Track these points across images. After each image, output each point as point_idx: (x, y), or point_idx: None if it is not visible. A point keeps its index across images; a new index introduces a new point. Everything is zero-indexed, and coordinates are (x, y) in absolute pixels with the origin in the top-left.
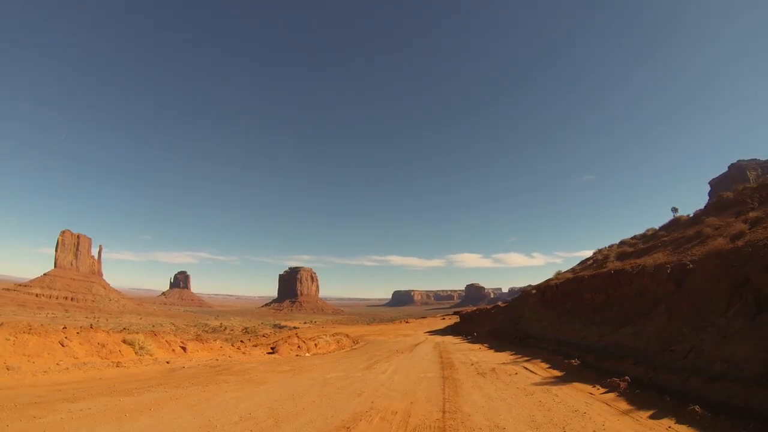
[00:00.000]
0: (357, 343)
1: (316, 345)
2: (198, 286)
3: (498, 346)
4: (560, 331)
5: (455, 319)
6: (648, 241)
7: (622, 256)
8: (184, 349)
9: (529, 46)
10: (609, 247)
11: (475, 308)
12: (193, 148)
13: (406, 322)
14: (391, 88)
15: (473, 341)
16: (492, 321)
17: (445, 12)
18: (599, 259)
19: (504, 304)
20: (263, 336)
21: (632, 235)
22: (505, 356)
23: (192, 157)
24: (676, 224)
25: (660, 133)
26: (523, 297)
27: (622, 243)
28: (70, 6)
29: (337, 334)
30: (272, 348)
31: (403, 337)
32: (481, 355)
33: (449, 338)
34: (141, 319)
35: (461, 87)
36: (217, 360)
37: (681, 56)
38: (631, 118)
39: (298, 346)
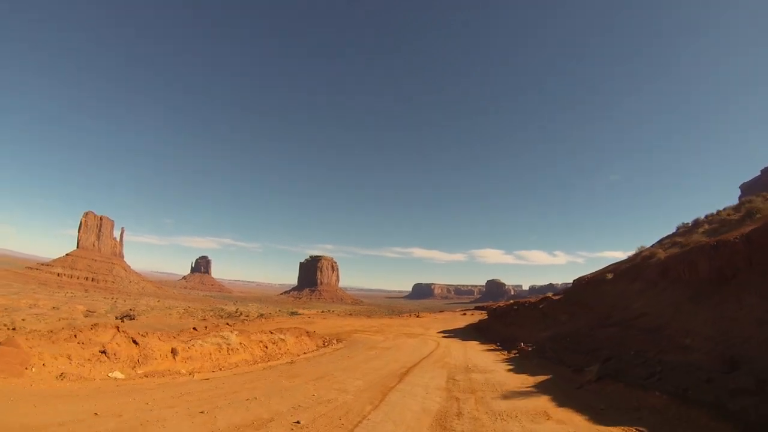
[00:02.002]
0: (328, 345)
1: (228, 350)
2: (219, 271)
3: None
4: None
5: (479, 315)
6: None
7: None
8: None
9: (558, 38)
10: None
11: (510, 302)
12: (221, 135)
13: (417, 316)
14: (418, 80)
15: (529, 363)
16: (545, 322)
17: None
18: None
19: (557, 297)
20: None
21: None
22: None
23: (219, 144)
24: None
25: (689, 135)
26: (626, 275)
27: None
28: None
29: (296, 329)
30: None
31: (405, 339)
32: None
33: (475, 347)
34: (159, 302)
35: (488, 80)
36: None
37: (712, 58)
38: (660, 119)
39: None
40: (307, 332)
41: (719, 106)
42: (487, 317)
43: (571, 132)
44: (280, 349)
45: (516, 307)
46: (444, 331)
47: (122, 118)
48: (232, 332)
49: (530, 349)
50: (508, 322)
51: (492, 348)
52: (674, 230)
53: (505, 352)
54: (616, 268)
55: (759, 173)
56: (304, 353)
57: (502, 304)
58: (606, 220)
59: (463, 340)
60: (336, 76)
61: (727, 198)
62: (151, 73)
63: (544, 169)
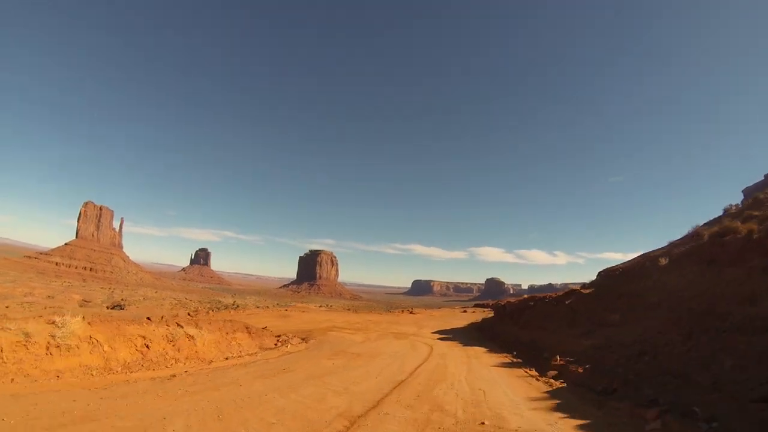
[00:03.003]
0: (281, 345)
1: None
2: (219, 264)
3: None
4: None
5: (481, 312)
6: None
7: None
8: None
9: (561, 34)
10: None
11: (523, 298)
12: (225, 130)
13: (411, 313)
14: (419, 76)
15: (606, 408)
16: (578, 323)
17: None
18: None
19: (588, 290)
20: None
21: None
22: None
23: (223, 138)
24: None
25: (691, 138)
26: (693, 257)
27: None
28: None
29: (230, 322)
30: None
31: (389, 341)
32: None
33: (484, 360)
34: (156, 292)
35: (489, 77)
36: None
37: (714, 60)
38: (662, 122)
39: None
40: (247, 327)
41: (722, 109)
42: (493, 315)
43: (574, 133)
44: (179, 351)
45: (533, 303)
46: (440, 332)
47: (128, 112)
48: (78, 320)
49: (580, 371)
50: (524, 322)
51: (509, 361)
52: (722, 213)
53: (536, 374)
54: (668, 252)
55: (762, 177)
56: (226, 359)
57: (512, 300)
58: (607, 221)
59: (465, 344)
60: (336, 70)
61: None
62: (154, 66)
63: (547, 168)
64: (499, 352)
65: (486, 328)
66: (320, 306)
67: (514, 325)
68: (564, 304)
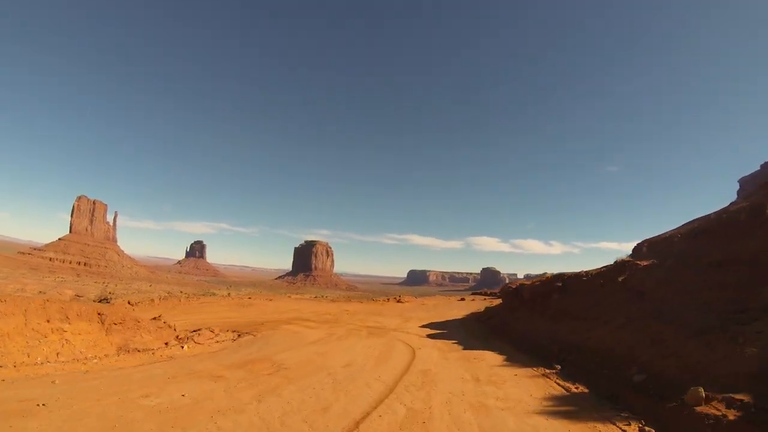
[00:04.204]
0: (182, 343)
1: None
2: (216, 256)
3: None
4: None
5: (481, 300)
6: None
7: None
8: None
9: (556, 24)
10: None
11: (546, 278)
12: (215, 121)
13: (398, 301)
14: (413, 66)
15: None
16: (657, 313)
17: None
18: None
19: (646, 262)
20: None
21: None
22: None
23: (217, 130)
24: None
25: (688, 128)
26: None
27: None
28: None
29: (65, 304)
30: None
31: (355, 341)
32: None
33: (509, 388)
34: (150, 286)
35: (484, 67)
36: None
37: (712, 50)
38: (659, 111)
39: None
40: (100, 314)
41: (718, 100)
42: (501, 303)
43: (571, 123)
44: None
45: (561, 283)
46: (431, 326)
47: (121, 106)
48: None
49: None
50: (555, 311)
51: (566, 393)
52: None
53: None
54: None
55: (759, 168)
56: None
57: (528, 282)
58: (603, 211)
59: (467, 347)
60: (331, 60)
61: (726, 192)
62: (147, 59)
63: (543, 158)
64: (529, 365)
65: (492, 319)
66: (315, 296)
67: (539, 317)
68: (616, 282)
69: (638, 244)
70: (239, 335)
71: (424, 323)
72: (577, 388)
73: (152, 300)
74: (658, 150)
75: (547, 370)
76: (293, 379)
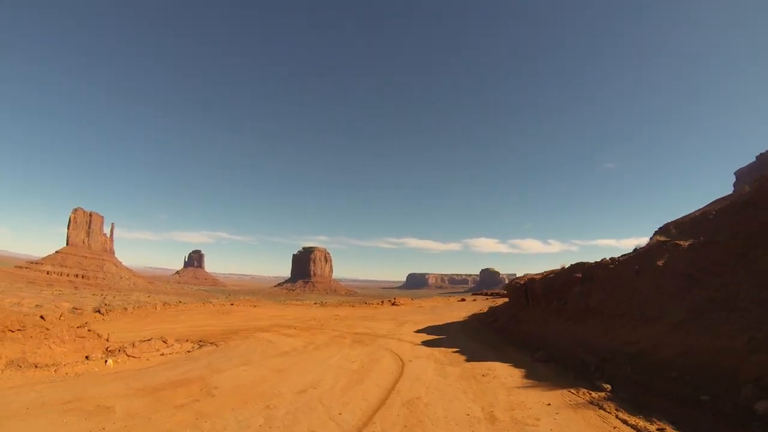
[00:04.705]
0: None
1: None
2: (214, 265)
3: None
4: None
5: (483, 301)
6: None
7: None
8: None
9: (551, 24)
10: None
11: (562, 268)
12: (212, 131)
13: (393, 304)
14: (410, 78)
15: None
16: (739, 308)
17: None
18: None
19: (685, 243)
20: None
21: None
22: None
23: (212, 141)
24: None
25: (683, 123)
26: None
27: None
28: None
29: None
30: None
31: (328, 355)
32: None
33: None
34: (149, 297)
35: (479, 68)
36: None
37: (705, 44)
38: (654, 107)
39: None
40: None
41: (713, 94)
42: (508, 301)
43: (567, 121)
44: None
45: (581, 274)
46: (428, 330)
47: (118, 117)
48: None
49: None
50: (570, 308)
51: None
52: None
53: None
54: None
55: (755, 159)
56: None
57: (539, 276)
58: (600, 209)
59: (471, 357)
60: (327, 66)
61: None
62: (144, 70)
63: (539, 157)
64: (560, 383)
65: (498, 321)
66: (314, 303)
67: (555, 316)
68: (656, 268)
69: (661, 228)
70: (200, 345)
71: (420, 328)
72: (662, 430)
73: (125, 309)
74: (654, 145)
75: (594, 394)
76: (207, 415)
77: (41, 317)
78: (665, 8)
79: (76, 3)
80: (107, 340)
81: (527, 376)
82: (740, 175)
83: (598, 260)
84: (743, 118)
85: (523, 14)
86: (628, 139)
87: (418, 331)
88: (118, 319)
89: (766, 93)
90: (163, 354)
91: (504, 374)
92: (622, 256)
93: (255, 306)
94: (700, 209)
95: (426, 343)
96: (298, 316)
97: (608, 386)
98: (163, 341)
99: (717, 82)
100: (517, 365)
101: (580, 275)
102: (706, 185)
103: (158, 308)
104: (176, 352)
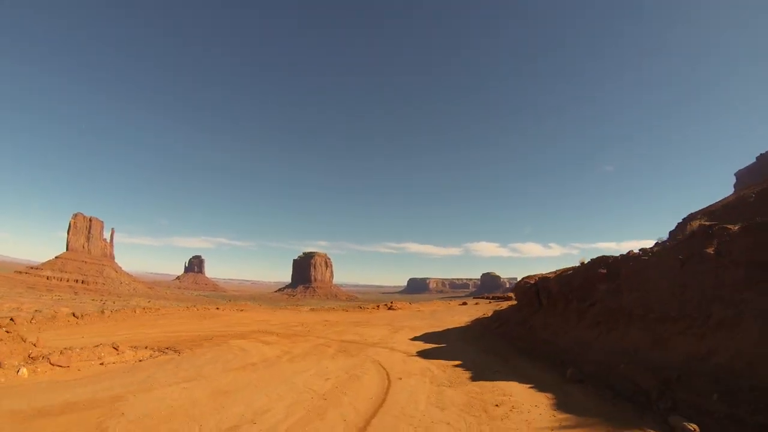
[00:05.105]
0: None
1: None
2: (214, 270)
3: None
4: None
5: (486, 305)
6: None
7: None
8: None
9: (549, 27)
10: None
11: (581, 264)
12: (212, 136)
13: (389, 308)
14: (409, 79)
15: None
16: None
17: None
18: None
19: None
20: None
21: None
22: None
23: (212, 145)
24: None
25: (683, 125)
26: None
27: None
28: None
29: None
30: None
31: (303, 367)
32: None
33: None
34: (149, 302)
35: (479, 73)
36: None
37: (704, 45)
38: (653, 109)
39: None
40: None
41: (713, 95)
42: (516, 303)
43: (566, 123)
44: None
45: (606, 269)
46: (426, 337)
47: (119, 122)
48: None
49: None
50: (594, 311)
51: None
52: None
53: None
54: None
55: (755, 160)
56: None
57: (557, 273)
58: (600, 211)
59: (478, 375)
60: (325, 70)
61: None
62: (145, 73)
63: (539, 161)
64: (620, 421)
65: (506, 327)
66: (308, 308)
67: (575, 320)
68: (706, 258)
69: (687, 218)
70: (161, 353)
71: (417, 334)
72: None
73: (102, 312)
74: (653, 147)
75: None
76: None
77: None
78: (665, 8)
79: (77, 5)
80: (35, 344)
81: (559, 406)
82: (740, 176)
83: (625, 254)
84: (743, 118)
85: (523, 14)
86: (626, 140)
87: (415, 339)
88: (93, 323)
89: (766, 93)
90: (103, 363)
91: (526, 403)
92: (654, 246)
93: (242, 310)
94: (729, 196)
95: (422, 354)
96: (286, 321)
97: (694, 427)
98: (114, 348)
99: (717, 83)
100: (540, 387)
101: (605, 271)
102: (706, 186)
103: (137, 312)
104: (123, 361)
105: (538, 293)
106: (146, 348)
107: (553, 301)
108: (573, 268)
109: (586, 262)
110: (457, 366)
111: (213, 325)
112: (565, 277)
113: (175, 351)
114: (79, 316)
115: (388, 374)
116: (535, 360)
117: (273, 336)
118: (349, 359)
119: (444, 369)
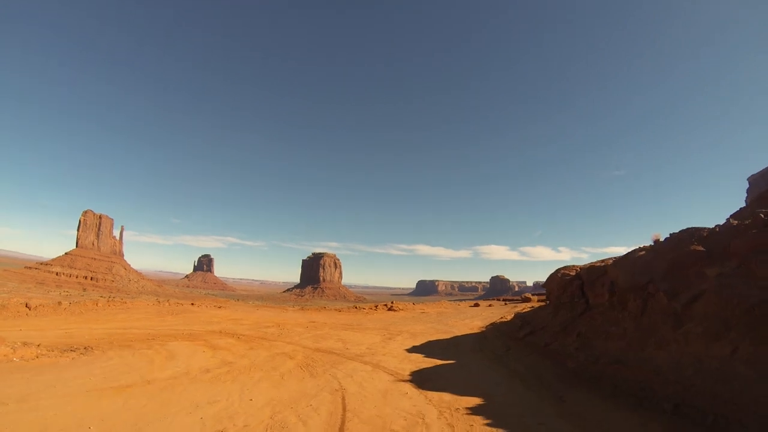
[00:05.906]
0: None
1: None
2: (224, 270)
3: None
4: None
5: (501, 307)
6: None
7: None
8: None
9: (562, 33)
10: None
11: (658, 240)
12: (224, 134)
13: (389, 309)
14: (419, 82)
15: None
16: None
17: (472, 11)
18: None
19: None
20: None
21: None
22: None
23: (225, 144)
24: None
25: (694, 129)
26: None
27: None
28: None
29: None
30: None
31: (229, 392)
32: None
33: None
34: (158, 299)
35: (490, 76)
36: None
37: (717, 49)
38: (665, 113)
39: None
40: None
41: (725, 99)
42: (548, 303)
43: (577, 128)
44: None
45: (704, 247)
46: (427, 348)
47: (132, 120)
48: None
49: None
50: (690, 312)
51: None
52: None
53: None
54: None
55: None
56: None
57: (613, 260)
58: (611, 216)
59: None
60: (338, 74)
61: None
62: (154, 72)
63: (550, 164)
64: None
65: (537, 336)
66: (302, 307)
67: (674, 325)
68: None
69: (737, 213)
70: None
71: (417, 343)
72: None
73: (59, 303)
74: (664, 151)
75: None
76: None
77: None
78: (680, 16)
79: (93, 3)
80: None
81: None
82: (753, 180)
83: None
84: (756, 122)
85: (535, 22)
86: (637, 145)
87: (413, 350)
88: (45, 315)
89: None
90: None
91: None
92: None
93: (220, 307)
94: None
95: (418, 378)
96: (262, 321)
97: None
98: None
99: (729, 89)
100: None
101: (702, 248)
102: (716, 190)
103: (99, 304)
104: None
105: (583, 288)
106: (54, 349)
107: (624, 298)
108: (638, 252)
109: (660, 239)
110: (474, 409)
111: (173, 323)
112: (638, 260)
113: (85, 351)
114: (32, 307)
115: (343, 427)
116: (605, 394)
117: (231, 339)
118: (302, 384)
119: (451, 415)
